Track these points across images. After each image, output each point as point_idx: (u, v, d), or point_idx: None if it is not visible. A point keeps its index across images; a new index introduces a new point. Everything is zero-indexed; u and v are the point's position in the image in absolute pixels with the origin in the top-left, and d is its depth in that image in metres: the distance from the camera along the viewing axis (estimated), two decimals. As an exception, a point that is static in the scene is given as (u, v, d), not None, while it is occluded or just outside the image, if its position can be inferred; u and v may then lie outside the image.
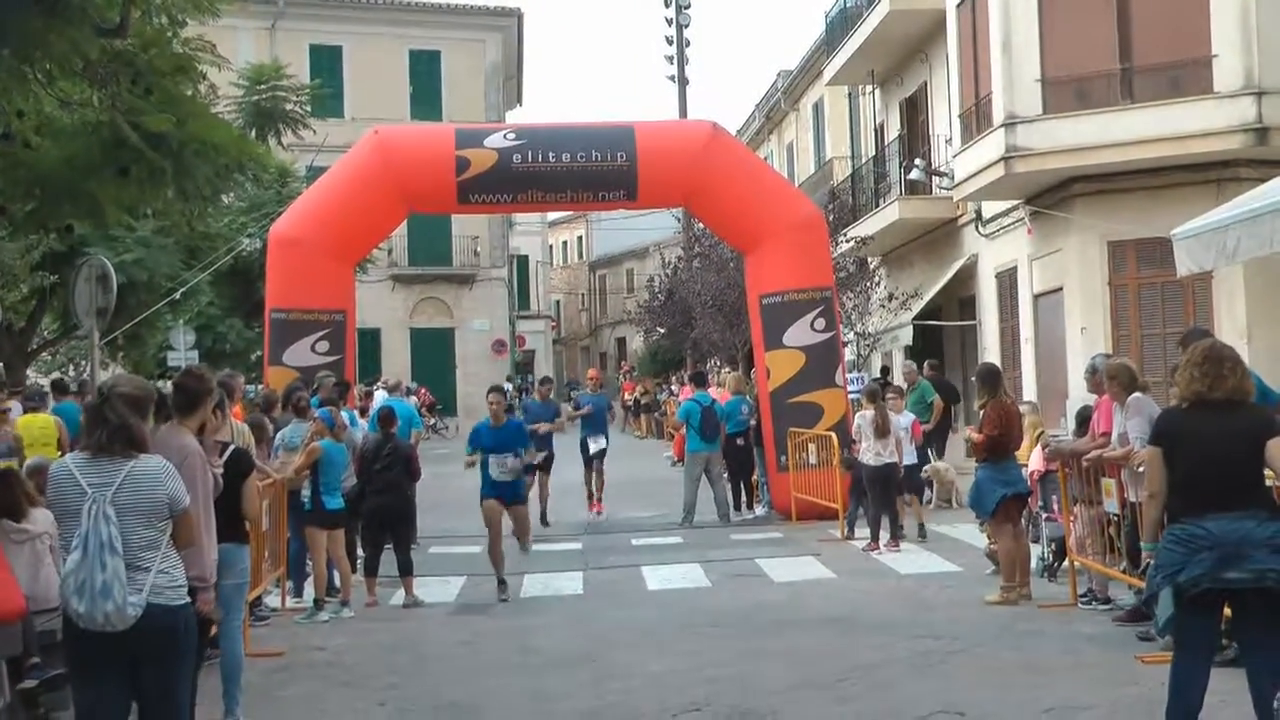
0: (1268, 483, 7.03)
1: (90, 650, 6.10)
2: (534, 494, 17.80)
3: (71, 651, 6.34)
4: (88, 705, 6.28)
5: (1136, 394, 10.82)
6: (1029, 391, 23.87)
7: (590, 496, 21.09)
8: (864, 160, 34.52)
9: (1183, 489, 6.82)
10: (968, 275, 28.02)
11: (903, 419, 17.57)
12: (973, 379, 14.58)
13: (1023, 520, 13.40)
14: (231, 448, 8.70)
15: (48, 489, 6.36)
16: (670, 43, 44.77)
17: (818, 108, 40.99)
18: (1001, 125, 21.85)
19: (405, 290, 49.18)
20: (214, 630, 8.10)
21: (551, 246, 79.16)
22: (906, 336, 27.74)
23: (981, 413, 13.01)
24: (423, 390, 43.95)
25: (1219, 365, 6.92)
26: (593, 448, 20.91)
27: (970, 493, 13.18)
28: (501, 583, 14.06)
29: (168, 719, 6.29)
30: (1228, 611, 6.91)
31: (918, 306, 28.19)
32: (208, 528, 7.61)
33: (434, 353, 49.06)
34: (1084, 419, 12.39)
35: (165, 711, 6.27)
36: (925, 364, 23.16)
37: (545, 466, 19.61)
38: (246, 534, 9.02)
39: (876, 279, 31.45)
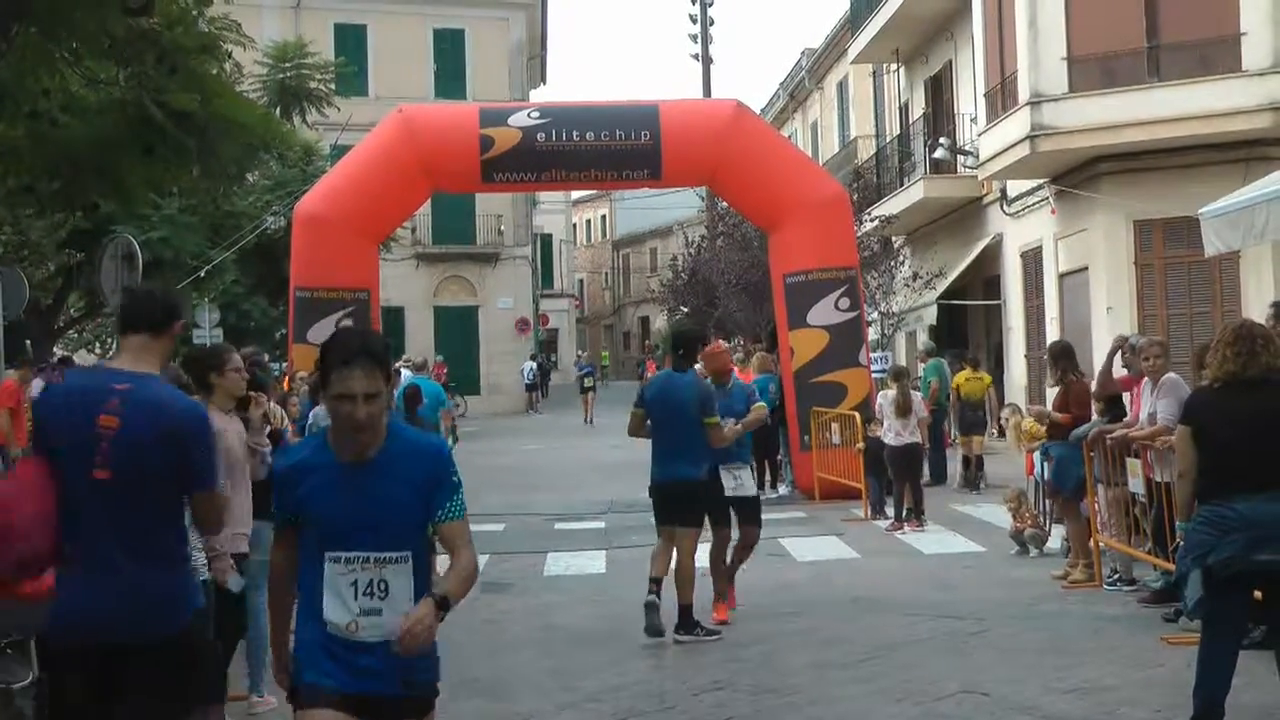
0: None
1: None
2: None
3: None
4: None
5: (1171, 374, 10.78)
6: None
7: (720, 591, 11.35)
8: (889, 139, 34.37)
9: (1212, 469, 6.76)
10: (992, 255, 27.90)
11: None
12: (1044, 357, 14.54)
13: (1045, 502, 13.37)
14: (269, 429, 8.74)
15: None
16: (695, 21, 44.79)
17: (842, 86, 40.86)
18: (1027, 104, 21.72)
19: (429, 269, 49.17)
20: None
21: (575, 225, 79.11)
22: (930, 316, 27.68)
23: (1054, 390, 12.96)
24: (438, 366, 43.86)
25: (1251, 343, 6.85)
26: (728, 486, 11.14)
27: (1053, 469, 13.06)
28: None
29: None
30: (1256, 594, 6.85)
31: (942, 286, 28.11)
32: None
33: (458, 331, 49.04)
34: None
35: None
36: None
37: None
38: (277, 513, 9.05)
39: (901, 258, 31.36)
